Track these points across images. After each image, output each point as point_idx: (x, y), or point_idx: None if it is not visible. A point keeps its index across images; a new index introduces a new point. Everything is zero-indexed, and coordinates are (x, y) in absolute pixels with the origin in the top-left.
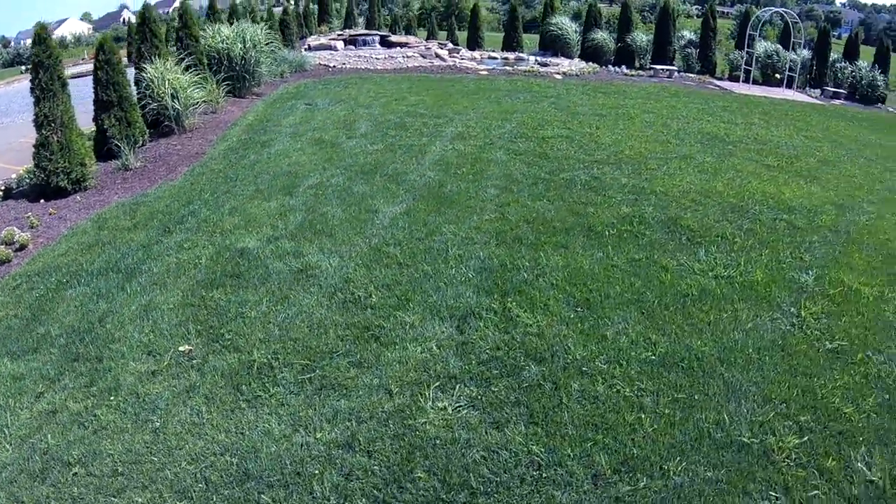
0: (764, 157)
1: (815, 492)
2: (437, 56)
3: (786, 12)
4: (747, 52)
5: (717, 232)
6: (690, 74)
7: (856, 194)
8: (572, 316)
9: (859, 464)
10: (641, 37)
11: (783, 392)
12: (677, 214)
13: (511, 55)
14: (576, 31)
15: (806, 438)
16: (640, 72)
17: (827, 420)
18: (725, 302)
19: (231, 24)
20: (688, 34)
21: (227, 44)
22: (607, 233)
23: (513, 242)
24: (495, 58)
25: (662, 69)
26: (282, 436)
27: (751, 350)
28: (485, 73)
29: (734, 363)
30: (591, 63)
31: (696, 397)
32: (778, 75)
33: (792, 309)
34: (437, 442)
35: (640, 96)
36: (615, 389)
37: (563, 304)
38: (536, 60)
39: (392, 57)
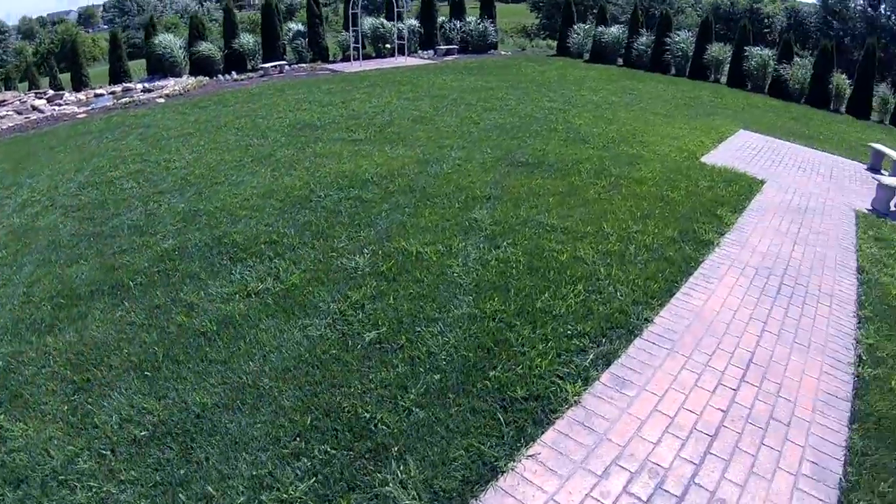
0: (353, 133)
1: None
2: (35, 108)
3: None
4: (353, 31)
5: (266, 238)
6: (303, 65)
7: (446, 143)
8: (66, 409)
9: (390, 486)
10: (249, 39)
11: (298, 422)
12: (226, 231)
13: (119, 88)
14: (181, 47)
15: (313, 481)
16: (251, 74)
17: (352, 440)
18: (248, 327)
19: None
20: (295, 26)
21: None
22: (133, 283)
23: (27, 332)
24: (102, 94)
25: (273, 66)
26: None
27: (267, 380)
28: (83, 116)
29: (242, 406)
30: (200, 77)
31: (182, 472)
32: (388, 45)
33: (332, 305)
34: None
35: (240, 101)
36: (94, 493)
37: (59, 396)
38: (144, 87)
39: None
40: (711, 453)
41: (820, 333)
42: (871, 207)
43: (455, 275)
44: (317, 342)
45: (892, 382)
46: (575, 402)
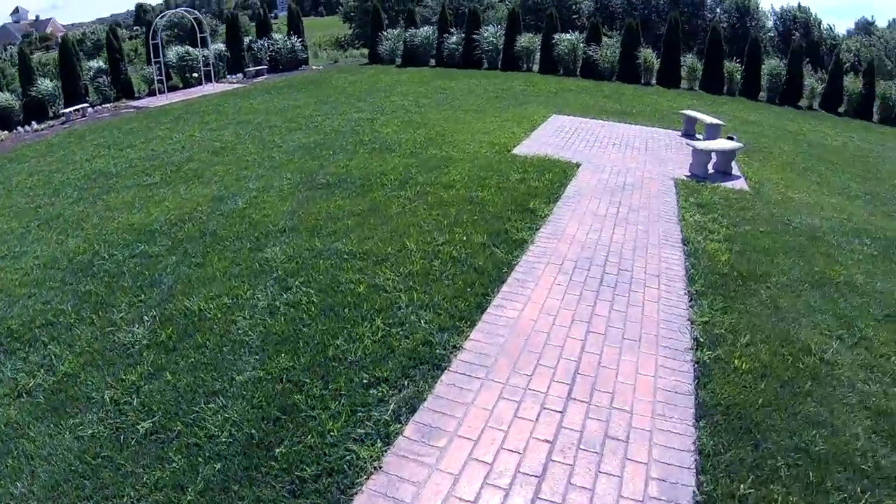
0: (149, 176)
1: None
2: None
3: (187, 11)
4: (156, 62)
5: (42, 320)
6: (107, 105)
7: (245, 174)
8: None
9: None
10: (48, 84)
11: None
12: (1, 318)
13: None
14: None
15: None
16: (53, 122)
17: None
18: (17, 437)
19: None
20: (95, 63)
21: None
22: None
23: None
24: None
25: (75, 110)
26: None
27: (37, 490)
28: None
29: None
30: None
31: None
32: (196, 74)
33: (106, 394)
34: None
35: (37, 155)
36: None
37: None
38: None
39: None
40: (541, 499)
41: (651, 322)
42: (689, 174)
43: (240, 331)
44: (88, 445)
45: (735, 361)
46: (375, 468)
